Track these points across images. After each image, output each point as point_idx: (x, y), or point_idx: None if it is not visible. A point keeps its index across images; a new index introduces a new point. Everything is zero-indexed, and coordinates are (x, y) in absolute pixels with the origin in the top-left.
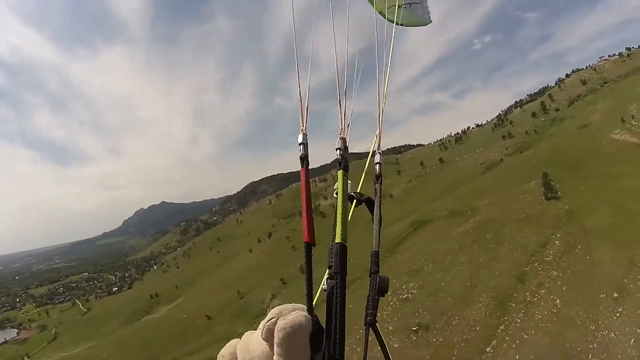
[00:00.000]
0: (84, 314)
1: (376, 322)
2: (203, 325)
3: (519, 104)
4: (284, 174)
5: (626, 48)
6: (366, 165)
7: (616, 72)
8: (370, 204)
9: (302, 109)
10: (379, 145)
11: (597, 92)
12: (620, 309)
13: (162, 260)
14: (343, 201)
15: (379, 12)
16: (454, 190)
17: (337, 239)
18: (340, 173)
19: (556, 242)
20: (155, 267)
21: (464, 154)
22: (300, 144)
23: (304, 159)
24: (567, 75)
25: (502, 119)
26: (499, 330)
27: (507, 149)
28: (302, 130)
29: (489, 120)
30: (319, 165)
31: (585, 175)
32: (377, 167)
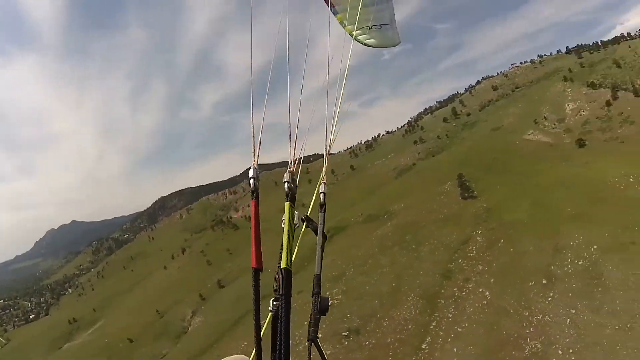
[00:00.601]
0: (4, 345)
1: (317, 338)
2: (126, 349)
3: (428, 111)
4: (193, 187)
5: (538, 55)
6: (314, 197)
7: (528, 77)
8: (315, 230)
9: (254, 144)
10: (324, 175)
11: (508, 97)
12: (551, 294)
13: (76, 282)
14: (289, 231)
15: (349, 34)
16: (369, 196)
17: (283, 265)
18: (287, 205)
19: (478, 238)
20: (70, 290)
21: (375, 160)
22: (250, 178)
23: (254, 191)
24: (478, 82)
25: (412, 125)
26: (432, 327)
27: (419, 153)
28: (253, 164)
29: (399, 127)
30: (227, 178)
31: (501, 174)
32: (322, 196)
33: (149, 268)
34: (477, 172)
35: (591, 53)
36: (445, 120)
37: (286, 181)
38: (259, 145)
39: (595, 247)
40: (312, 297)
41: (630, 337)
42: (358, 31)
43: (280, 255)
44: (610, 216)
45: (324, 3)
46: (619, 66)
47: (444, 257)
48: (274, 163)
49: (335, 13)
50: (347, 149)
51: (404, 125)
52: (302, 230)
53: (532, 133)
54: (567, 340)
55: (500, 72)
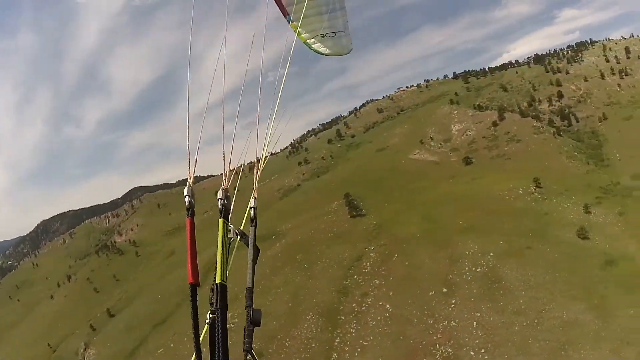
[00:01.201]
0: None
1: (252, 349)
2: None
3: (312, 133)
4: (75, 210)
5: (425, 80)
6: (246, 213)
7: (414, 101)
8: (247, 242)
9: (189, 161)
10: (255, 189)
11: (394, 119)
12: (453, 301)
13: None
14: (223, 246)
15: (304, 43)
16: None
17: (218, 280)
18: (220, 221)
19: (371, 254)
20: None
21: (260, 181)
22: (185, 196)
23: (189, 209)
24: (363, 105)
25: (296, 146)
26: (336, 343)
27: (303, 174)
28: (188, 182)
29: (283, 148)
30: (109, 200)
31: (388, 192)
32: (252, 211)
33: (35, 297)
34: (364, 191)
35: (478, 78)
36: (329, 141)
37: (220, 198)
38: (195, 163)
39: (491, 254)
40: (246, 309)
41: (540, 330)
42: (312, 39)
43: (216, 270)
44: (503, 226)
45: (279, 12)
46: (505, 90)
47: (338, 274)
48: (156, 185)
49: (289, 21)
50: (230, 170)
51: (287, 146)
52: (236, 243)
53: (418, 153)
54: (477, 341)
55: (386, 95)
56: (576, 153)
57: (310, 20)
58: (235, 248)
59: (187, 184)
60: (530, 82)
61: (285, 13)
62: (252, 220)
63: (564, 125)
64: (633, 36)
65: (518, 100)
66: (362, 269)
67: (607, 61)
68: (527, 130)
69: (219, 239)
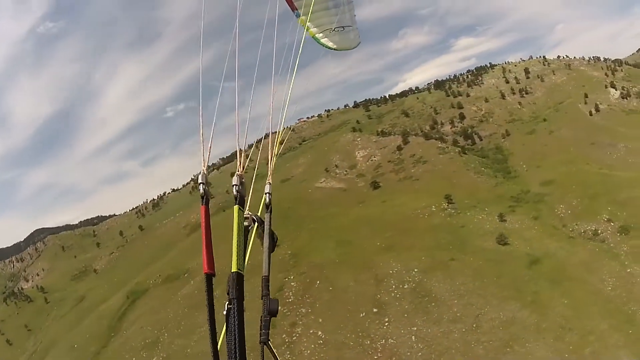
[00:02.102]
0: None
1: (269, 340)
2: None
3: (214, 167)
4: None
5: (325, 110)
6: (263, 199)
7: (315, 130)
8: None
9: (203, 148)
10: (270, 174)
11: (296, 150)
12: (387, 319)
13: None
14: (238, 234)
15: (312, 37)
16: (163, 256)
17: (233, 268)
18: (235, 208)
19: (292, 283)
20: None
21: (164, 219)
22: (200, 183)
23: (204, 196)
24: (266, 136)
25: (197, 182)
26: None
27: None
28: (202, 170)
29: (185, 184)
30: (12, 244)
31: (298, 221)
32: (267, 197)
33: None
34: (274, 221)
35: (379, 106)
36: (232, 175)
37: (235, 184)
38: (209, 150)
39: (415, 270)
40: (261, 299)
41: (481, 333)
42: (320, 34)
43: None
44: (423, 242)
45: (287, 7)
46: (407, 115)
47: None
48: (59, 227)
49: (298, 16)
50: (133, 208)
51: (189, 182)
52: (254, 230)
53: (324, 181)
54: (420, 353)
55: (287, 126)
56: (483, 168)
57: (318, 15)
58: (253, 236)
59: (201, 172)
60: (431, 107)
61: (293, 8)
62: (267, 206)
63: (468, 144)
64: (532, 58)
65: (420, 125)
66: (286, 299)
67: (507, 82)
68: (432, 152)
69: (234, 226)
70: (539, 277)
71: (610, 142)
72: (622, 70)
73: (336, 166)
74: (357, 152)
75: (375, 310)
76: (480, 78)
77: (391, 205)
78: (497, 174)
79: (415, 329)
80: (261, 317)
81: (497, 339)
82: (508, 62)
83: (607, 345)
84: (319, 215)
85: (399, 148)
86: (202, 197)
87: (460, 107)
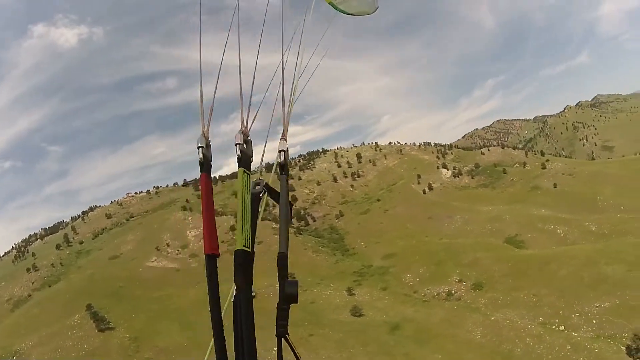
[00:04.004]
0: None
1: (288, 333)
2: None
3: (37, 236)
4: None
5: (154, 186)
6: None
7: (143, 207)
8: (276, 198)
9: (202, 111)
10: (285, 130)
11: (124, 225)
12: None
13: None
14: (243, 203)
15: (329, 4)
16: None
17: (238, 245)
18: (240, 170)
19: None
20: None
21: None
22: (198, 147)
23: (203, 163)
24: (91, 209)
25: (22, 250)
26: None
27: (33, 282)
28: (202, 131)
29: (7, 251)
30: None
31: (133, 302)
32: (282, 155)
33: None
34: (106, 301)
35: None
36: (58, 247)
37: (237, 143)
38: (210, 112)
39: (274, 349)
40: (278, 281)
41: None
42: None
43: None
44: (273, 322)
45: None
46: (237, 196)
47: None
48: None
49: None
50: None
51: (11, 250)
52: (264, 200)
53: (155, 260)
54: None
55: (114, 200)
56: (320, 247)
57: None
58: (263, 206)
59: (202, 133)
60: None
61: None
62: (282, 167)
63: (303, 225)
64: (364, 144)
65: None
66: None
67: (339, 166)
68: (266, 232)
69: (240, 194)
70: (405, 340)
71: (447, 214)
72: (452, 153)
73: (167, 245)
74: (188, 232)
75: None
76: (312, 162)
77: (229, 286)
78: (335, 252)
79: None
80: (277, 305)
81: None
82: (340, 147)
83: None
84: (155, 296)
85: (232, 228)
86: (201, 164)
87: (292, 189)
